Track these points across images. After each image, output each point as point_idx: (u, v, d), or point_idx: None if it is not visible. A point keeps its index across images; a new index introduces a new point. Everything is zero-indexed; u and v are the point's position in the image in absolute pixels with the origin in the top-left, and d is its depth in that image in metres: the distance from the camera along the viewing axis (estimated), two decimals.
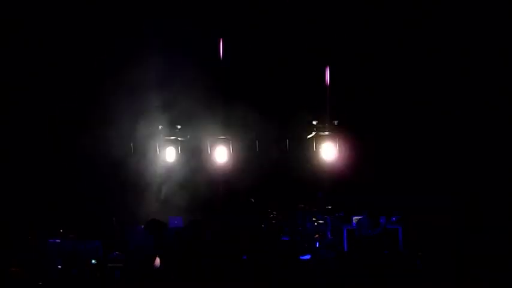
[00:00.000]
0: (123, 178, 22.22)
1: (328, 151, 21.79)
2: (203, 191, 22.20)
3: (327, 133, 21.63)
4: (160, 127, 22.40)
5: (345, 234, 20.86)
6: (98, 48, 21.48)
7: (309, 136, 21.92)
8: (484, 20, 20.63)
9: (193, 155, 22.81)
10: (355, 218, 20.90)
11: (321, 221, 21.14)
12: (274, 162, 22.38)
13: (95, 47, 21.50)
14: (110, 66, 21.48)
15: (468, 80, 21.17)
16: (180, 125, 22.50)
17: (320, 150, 21.86)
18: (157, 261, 19.93)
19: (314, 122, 21.71)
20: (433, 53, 21.35)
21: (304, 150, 22.21)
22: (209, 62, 21.76)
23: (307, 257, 20.33)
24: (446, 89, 21.47)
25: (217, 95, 21.98)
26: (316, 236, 20.90)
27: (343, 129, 21.73)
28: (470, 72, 21.11)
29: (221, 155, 22.55)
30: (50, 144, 22.06)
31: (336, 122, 21.59)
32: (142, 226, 21.36)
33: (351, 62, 21.52)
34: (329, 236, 20.93)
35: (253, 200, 22.02)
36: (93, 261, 19.95)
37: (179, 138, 22.63)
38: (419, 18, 21.08)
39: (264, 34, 21.61)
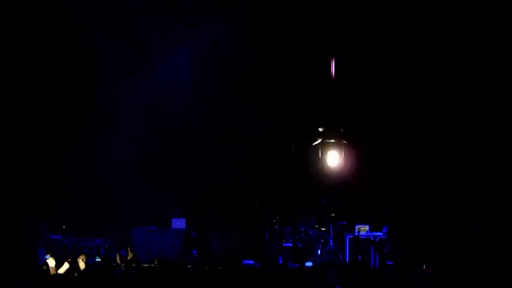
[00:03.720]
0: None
1: (334, 158, 21.54)
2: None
3: (332, 140, 21.40)
4: None
5: (347, 243, 20.76)
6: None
7: (314, 143, 21.75)
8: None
9: None
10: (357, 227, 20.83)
11: (323, 229, 21.05)
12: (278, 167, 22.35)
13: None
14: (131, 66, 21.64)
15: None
16: None
17: (325, 157, 21.56)
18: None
19: (320, 129, 21.51)
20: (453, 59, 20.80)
21: (309, 156, 22.09)
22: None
23: (310, 264, 20.21)
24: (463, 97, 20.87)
25: None
26: (319, 243, 20.81)
27: (349, 137, 21.52)
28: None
29: None
30: (56, 141, 22.16)
31: (342, 130, 21.34)
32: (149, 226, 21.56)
33: (360, 66, 21.27)
34: (331, 244, 20.80)
35: (257, 205, 21.95)
36: (97, 258, 20.02)
37: None
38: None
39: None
